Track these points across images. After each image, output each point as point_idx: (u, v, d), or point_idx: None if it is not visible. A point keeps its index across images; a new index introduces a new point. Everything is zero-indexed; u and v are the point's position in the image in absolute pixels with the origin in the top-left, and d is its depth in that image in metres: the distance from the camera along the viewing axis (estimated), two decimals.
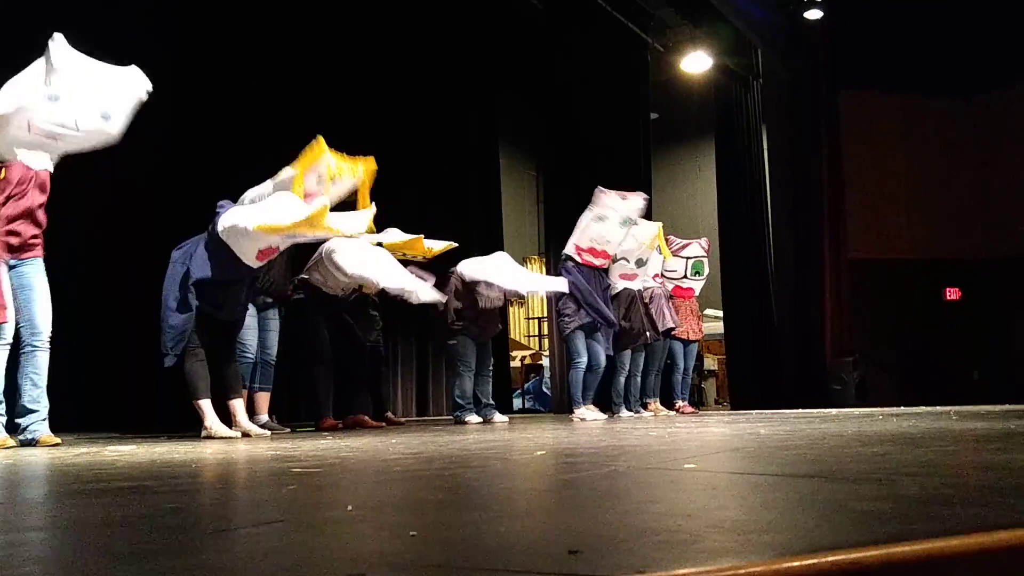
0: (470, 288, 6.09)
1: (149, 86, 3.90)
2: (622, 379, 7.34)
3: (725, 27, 9.99)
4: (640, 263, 7.36)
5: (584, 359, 6.62)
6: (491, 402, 6.30)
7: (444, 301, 5.96)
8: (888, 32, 10.30)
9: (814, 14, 10.27)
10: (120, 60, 4.02)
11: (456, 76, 8.26)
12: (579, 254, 6.65)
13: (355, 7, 7.13)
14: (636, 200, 6.78)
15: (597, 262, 6.71)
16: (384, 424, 5.72)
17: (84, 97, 3.72)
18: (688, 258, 8.23)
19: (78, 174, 4.01)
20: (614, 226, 6.65)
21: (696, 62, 10.03)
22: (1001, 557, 0.96)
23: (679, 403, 8.10)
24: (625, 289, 7.34)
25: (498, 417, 6.11)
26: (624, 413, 7.20)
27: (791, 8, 10.37)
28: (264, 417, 5.01)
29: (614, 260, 7.30)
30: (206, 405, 4.22)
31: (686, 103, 11.57)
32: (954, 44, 10.15)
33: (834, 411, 7.53)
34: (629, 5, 9.17)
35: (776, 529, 1.14)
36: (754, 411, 8.15)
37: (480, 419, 6.03)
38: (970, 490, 1.56)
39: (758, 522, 1.19)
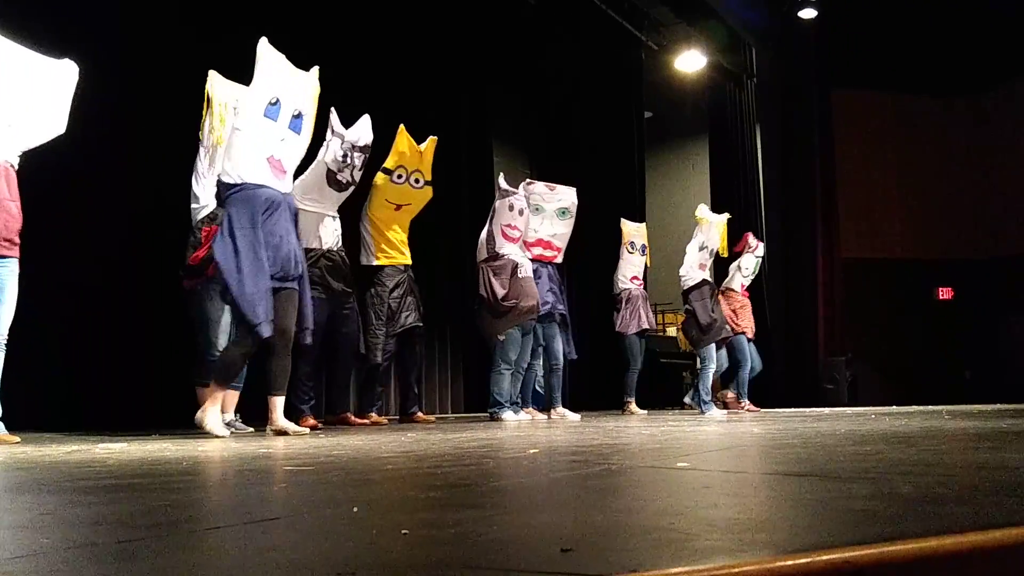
0: (500, 267, 6.13)
1: (76, 76, 3.86)
2: (710, 374, 7.20)
3: (719, 26, 10.02)
4: (711, 254, 7.36)
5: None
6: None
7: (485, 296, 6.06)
8: (881, 32, 10.33)
9: (808, 13, 10.31)
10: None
11: (449, 73, 8.23)
12: (528, 250, 6.59)
13: (348, 2, 7.10)
14: (567, 192, 6.77)
15: (549, 254, 6.69)
16: (368, 423, 5.56)
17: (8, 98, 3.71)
18: (759, 257, 8.29)
19: (78, 174, 3.98)
20: (552, 217, 6.69)
21: (690, 61, 10.05)
22: (995, 556, 0.96)
23: (743, 402, 8.01)
24: (705, 281, 7.24)
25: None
26: (716, 413, 6.89)
27: (785, 8, 10.40)
28: (229, 415, 4.79)
29: (700, 248, 7.24)
30: (218, 395, 4.09)
31: (680, 102, 11.58)
32: (947, 44, 10.19)
33: (827, 410, 7.55)
34: (623, 3, 9.17)
35: (770, 528, 1.13)
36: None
37: (518, 417, 5.95)
38: (963, 489, 1.55)
39: (751, 521, 1.19)
